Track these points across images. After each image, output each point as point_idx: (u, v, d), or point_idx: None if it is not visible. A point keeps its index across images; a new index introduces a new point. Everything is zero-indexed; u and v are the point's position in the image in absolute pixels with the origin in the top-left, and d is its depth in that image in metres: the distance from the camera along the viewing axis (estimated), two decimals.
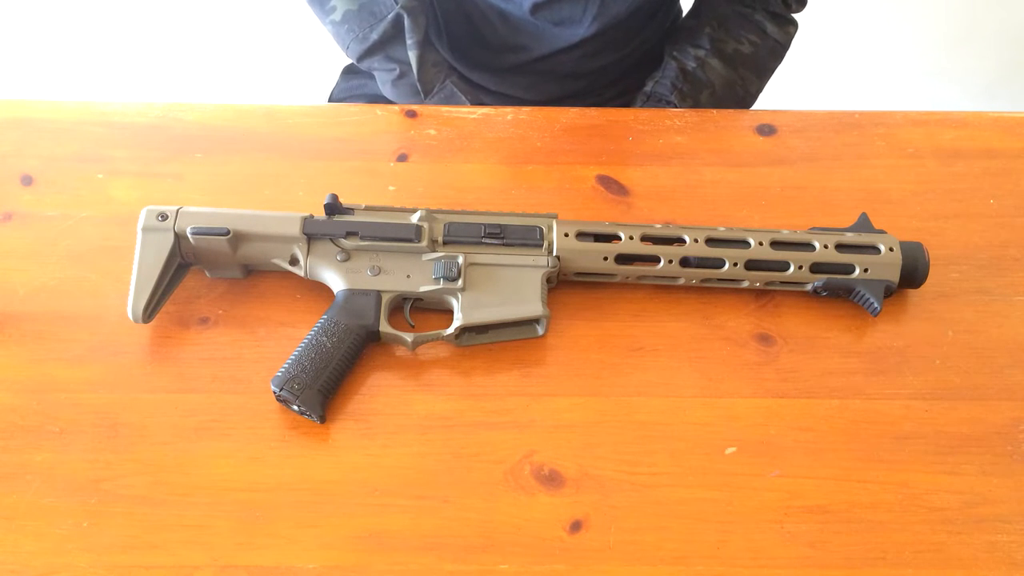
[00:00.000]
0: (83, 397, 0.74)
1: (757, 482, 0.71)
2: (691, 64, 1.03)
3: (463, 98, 1.00)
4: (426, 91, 1.00)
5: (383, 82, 1.03)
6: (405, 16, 0.96)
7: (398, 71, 1.00)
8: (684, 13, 1.15)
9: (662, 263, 0.78)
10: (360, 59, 1.01)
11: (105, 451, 0.71)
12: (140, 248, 0.76)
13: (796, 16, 1.07)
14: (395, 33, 0.98)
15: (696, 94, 1.04)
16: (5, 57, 1.92)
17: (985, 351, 0.79)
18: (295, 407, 0.72)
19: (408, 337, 0.76)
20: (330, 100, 1.21)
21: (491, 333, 0.78)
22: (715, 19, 1.04)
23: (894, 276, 0.78)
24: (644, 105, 1.05)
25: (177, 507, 0.69)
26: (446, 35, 1.10)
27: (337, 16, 0.99)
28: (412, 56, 0.98)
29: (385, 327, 0.75)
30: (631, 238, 0.78)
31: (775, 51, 1.06)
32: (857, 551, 0.68)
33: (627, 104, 1.11)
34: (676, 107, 1.02)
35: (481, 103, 1.02)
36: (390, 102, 1.06)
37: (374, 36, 0.98)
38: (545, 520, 0.69)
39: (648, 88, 1.05)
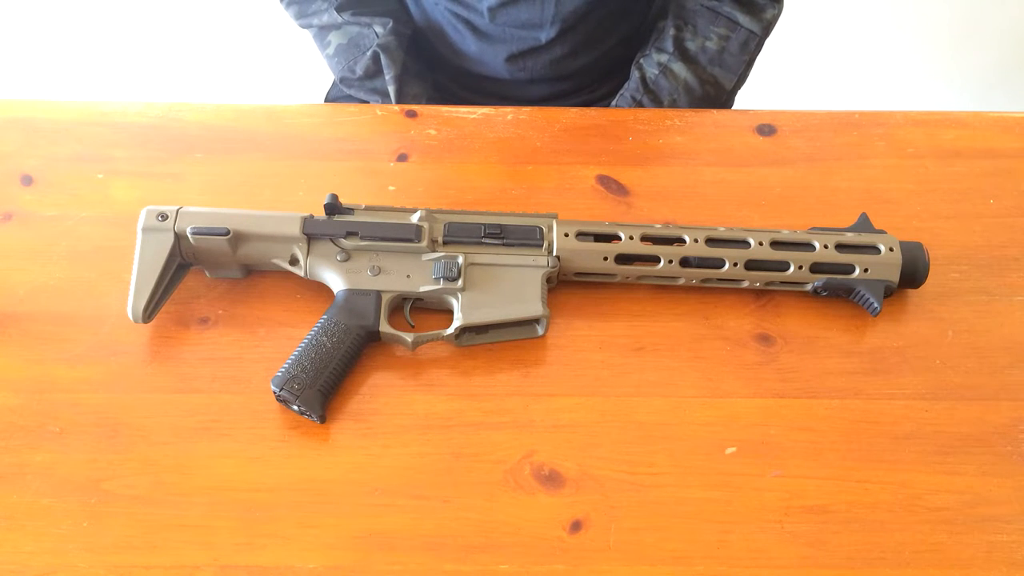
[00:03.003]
0: (83, 397, 0.74)
1: (757, 482, 0.71)
2: (653, 72, 1.02)
3: None
4: None
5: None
6: (381, 53, 1.02)
7: (381, 101, 1.06)
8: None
9: (662, 263, 0.78)
10: (348, 88, 1.08)
11: (105, 451, 0.71)
12: (140, 248, 0.76)
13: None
14: (376, 69, 1.04)
15: (657, 104, 1.03)
16: (5, 57, 1.92)
17: (985, 351, 0.79)
18: (295, 407, 0.72)
19: (408, 337, 0.76)
20: (326, 100, 1.21)
21: (491, 333, 0.78)
22: (681, 18, 1.02)
23: (894, 276, 0.78)
24: None
25: (177, 507, 0.69)
26: (429, 55, 1.11)
27: (331, 50, 1.06)
28: (391, 90, 1.04)
29: (385, 327, 0.75)
30: (631, 238, 0.78)
31: (748, 42, 1.02)
32: (857, 551, 0.68)
33: None
34: None
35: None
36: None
37: (359, 71, 1.04)
38: (545, 520, 0.69)
39: (614, 101, 1.05)
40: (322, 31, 1.05)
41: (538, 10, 1.00)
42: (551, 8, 0.99)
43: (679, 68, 1.02)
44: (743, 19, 1.01)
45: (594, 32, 1.05)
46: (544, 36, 1.02)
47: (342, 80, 1.07)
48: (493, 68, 1.07)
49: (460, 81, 1.13)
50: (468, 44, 1.06)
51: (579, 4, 0.99)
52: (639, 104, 1.03)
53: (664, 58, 1.02)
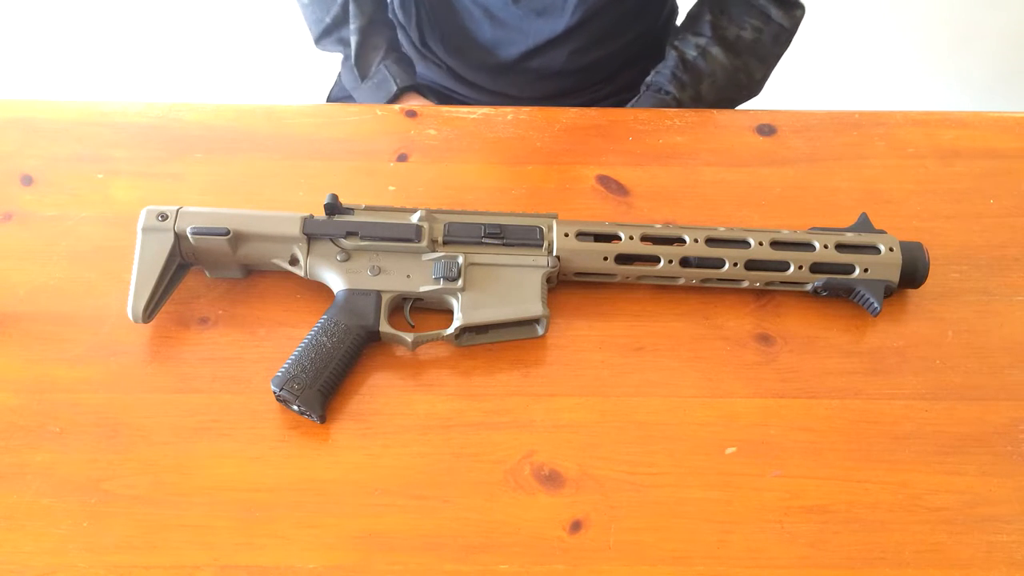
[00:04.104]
0: (83, 397, 0.74)
1: (757, 482, 0.71)
2: (691, 53, 1.03)
3: (392, 82, 1.03)
4: (362, 75, 1.05)
5: (341, 65, 1.09)
6: (351, 2, 1.03)
7: (344, 55, 1.06)
8: (680, 11, 1.15)
9: (662, 263, 0.78)
10: (318, 40, 1.08)
11: (105, 451, 0.71)
12: (140, 248, 0.75)
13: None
14: (345, 17, 1.04)
15: (696, 84, 1.03)
16: (5, 57, 1.93)
17: (985, 351, 0.79)
18: (295, 407, 0.72)
19: (408, 337, 0.76)
20: (328, 100, 1.21)
21: (491, 333, 0.78)
22: (717, 6, 1.04)
23: (894, 276, 0.78)
24: (644, 95, 1.05)
25: (177, 507, 0.69)
26: (439, 35, 1.11)
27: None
28: (353, 40, 1.04)
29: (385, 327, 0.75)
30: (631, 238, 0.78)
31: (780, 36, 1.05)
32: (857, 551, 0.68)
33: (623, 101, 1.12)
34: (676, 97, 1.03)
35: (413, 88, 1.05)
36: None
37: (327, 19, 1.05)
38: (545, 520, 0.69)
39: (649, 79, 1.06)
40: None
41: None
42: None
43: (717, 52, 1.03)
44: (776, 13, 1.03)
45: (609, 28, 1.06)
46: (563, 24, 1.02)
47: (318, 39, 1.07)
48: (504, 59, 1.07)
49: (460, 78, 1.13)
50: (484, 32, 1.06)
51: None
52: (678, 80, 1.03)
53: (702, 41, 1.03)
